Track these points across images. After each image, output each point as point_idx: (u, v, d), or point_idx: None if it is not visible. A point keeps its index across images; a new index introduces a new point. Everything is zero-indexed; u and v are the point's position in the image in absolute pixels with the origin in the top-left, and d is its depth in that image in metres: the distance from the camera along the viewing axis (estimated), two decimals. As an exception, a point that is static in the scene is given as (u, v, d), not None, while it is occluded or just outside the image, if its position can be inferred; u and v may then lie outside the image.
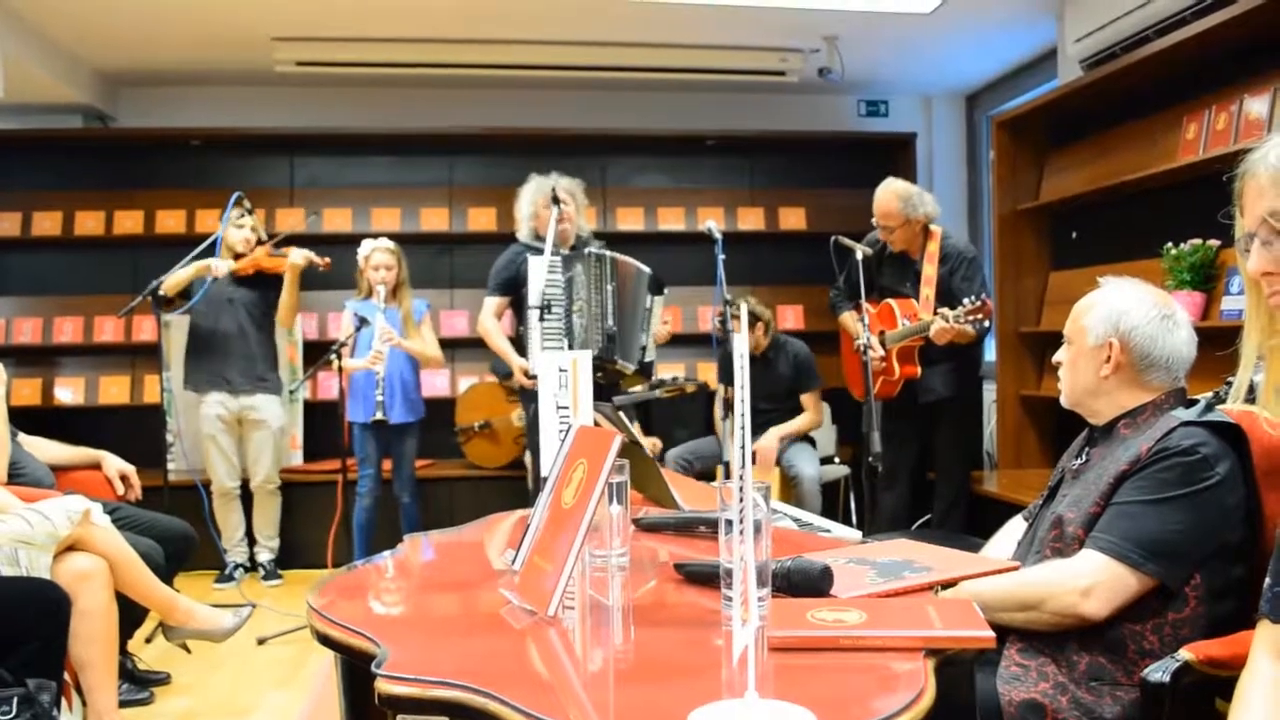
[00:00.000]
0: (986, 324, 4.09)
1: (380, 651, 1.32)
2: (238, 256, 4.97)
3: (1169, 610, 1.74)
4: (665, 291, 4.43)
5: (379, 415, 4.60)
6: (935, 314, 4.16)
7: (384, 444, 4.91)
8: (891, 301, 4.49)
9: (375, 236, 5.08)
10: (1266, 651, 1.43)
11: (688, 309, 6.35)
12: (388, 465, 4.99)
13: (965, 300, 4.06)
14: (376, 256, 4.83)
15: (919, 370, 4.45)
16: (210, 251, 4.71)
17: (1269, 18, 3.69)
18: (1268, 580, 1.44)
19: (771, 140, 6.53)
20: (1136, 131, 4.69)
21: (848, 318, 4.68)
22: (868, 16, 5.33)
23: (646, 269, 4.25)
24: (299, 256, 4.88)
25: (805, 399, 5.09)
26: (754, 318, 5.01)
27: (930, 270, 4.44)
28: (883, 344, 4.44)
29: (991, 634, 1.32)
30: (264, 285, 5.04)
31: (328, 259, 4.97)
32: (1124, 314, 1.91)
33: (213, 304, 4.96)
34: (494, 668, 1.29)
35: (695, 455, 5.04)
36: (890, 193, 4.43)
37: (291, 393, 5.20)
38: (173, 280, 4.75)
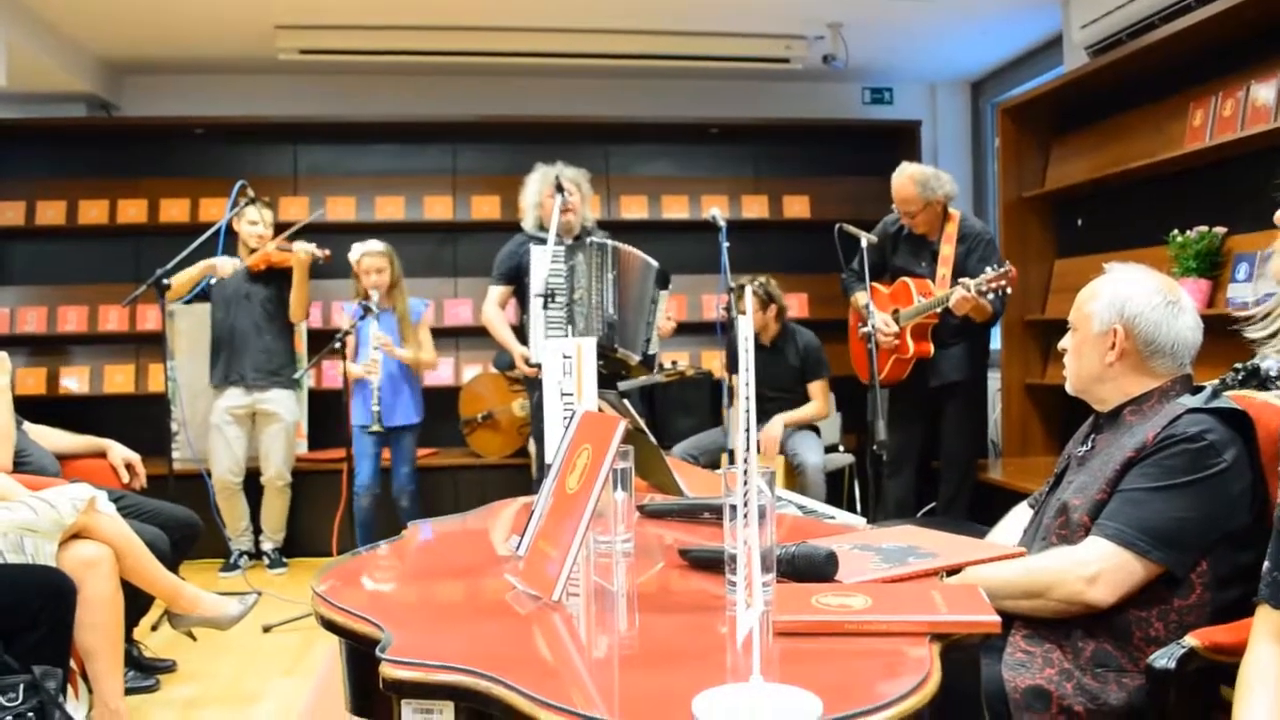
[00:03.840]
0: (1009, 290, 4.07)
1: (385, 636, 1.32)
2: (252, 252, 4.99)
3: (1175, 597, 1.74)
4: (671, 286, 4.42)
5: (375, 426, 4.58)
6: (956, 284, 4.16)
7: (382, 443, 4.92)
8: (908, 280, 4.49)
9: (380, 225, 5.08)
10: (1267, 636, 1.43)
11: (692, 297, 6.34)
12: (388, 455, 5.00)
13: (988, 268, 4.05)
14: (366, 260, 4.82)
15: (932, 348, 4.45)
16: (214, 240, 4.70)
17: (1276, 4, 3.67)
18: (1266, 565, 1.44)
19: (776, 128, 6.51)
20: (1142, 118, 4.67)
21: (859, 299, 4.66)
22: (872, 3, 5.32)
23: (654, 262, 4.24)
24: (301, 251, 4.89)
25: (812, 388, 5.08)
26: (769, 298, 5.00)
27: (948, 250, 4.43)
28: (896, 320, 4.44)
29: (997, 619, 1.31)
30: (277, 280, 5.06)
31: (328, 251, 4.97)
32: (1128, 300, 1.90)
33: (229, 300, 4.99)
34: (499, 652, 1.29)
35: (700, 449, 5.03)
36: (907, 178, 4.42)
37: (296, 380, 5.20)
38: (180, 280, 4.75)
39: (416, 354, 4.94)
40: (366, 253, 4.85)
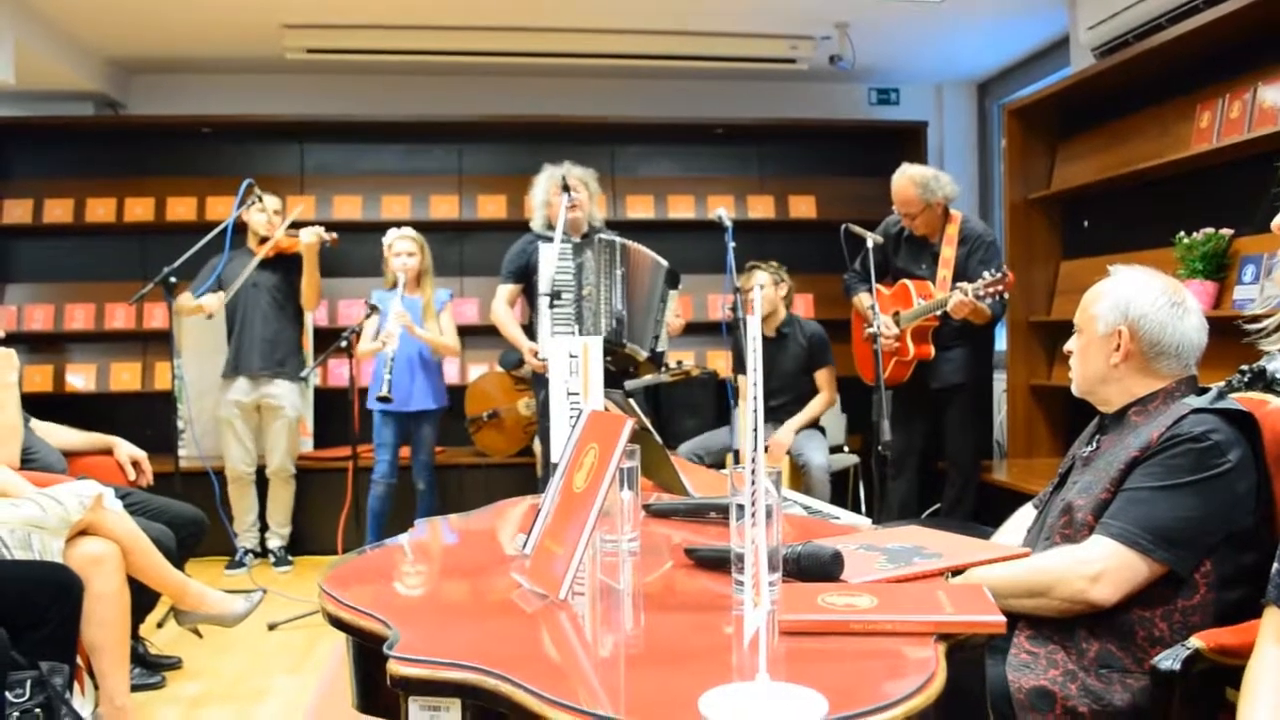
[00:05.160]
0: (1006, 296, 4.07)
1: (392, 634, 1.33)
2: (262, 241, 5.01)
3: (1179, 597, 1.74)
4: (680, 285, 4.42)
5: (384, 391, 4.50)
6: (954, 288, 4.15)
7: (403, 430, 4.93)
8: (908, 282, 4.49)
9: (386, 224, 5.10)
10: (1273, 638, 1.43)
11: (698, 297, 6.35)
12: (405, 453, 5.01)
13: (986, 273, 4.04)
14: (399, 244, 4.86)
15: (932, 350, 4.45)
16: (222, 238, 4.70)
17: (1283, 5, 3.67)
18: (1275, 566, 1.44)
19: (782, 128, 6.51)
20: (1149, 120, 4.67)
21: (861, 300, 4.66)
22: (879, 3, 5.31)
23: (664, 262, 4.24)
24: (309, 235, 4.91)
25: (819, 376, 5.03)
26: (780, 278, 4.99)
27: (949, 252, 4.43)
28: (897, 323, 4.44)
29: (1002, 619, 1.32)
30: (285, 267, 5.08)
31: (335, 235, 5.00)
32: (1133, 301, 1.90)
33: (238, 289, 4.99)
34: (505, 650, 1.30)
35: (706, 449, 5.03)
36: (907, 179, 4.42)
37: (303, 379, 5.22)
38: (182, 308, 4.84)
39: (438, 337, 4.94)
40: (400, 236, 4.89)
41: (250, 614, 3.35)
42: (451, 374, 6.11)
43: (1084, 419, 2.14)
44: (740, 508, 1.33)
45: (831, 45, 5.88)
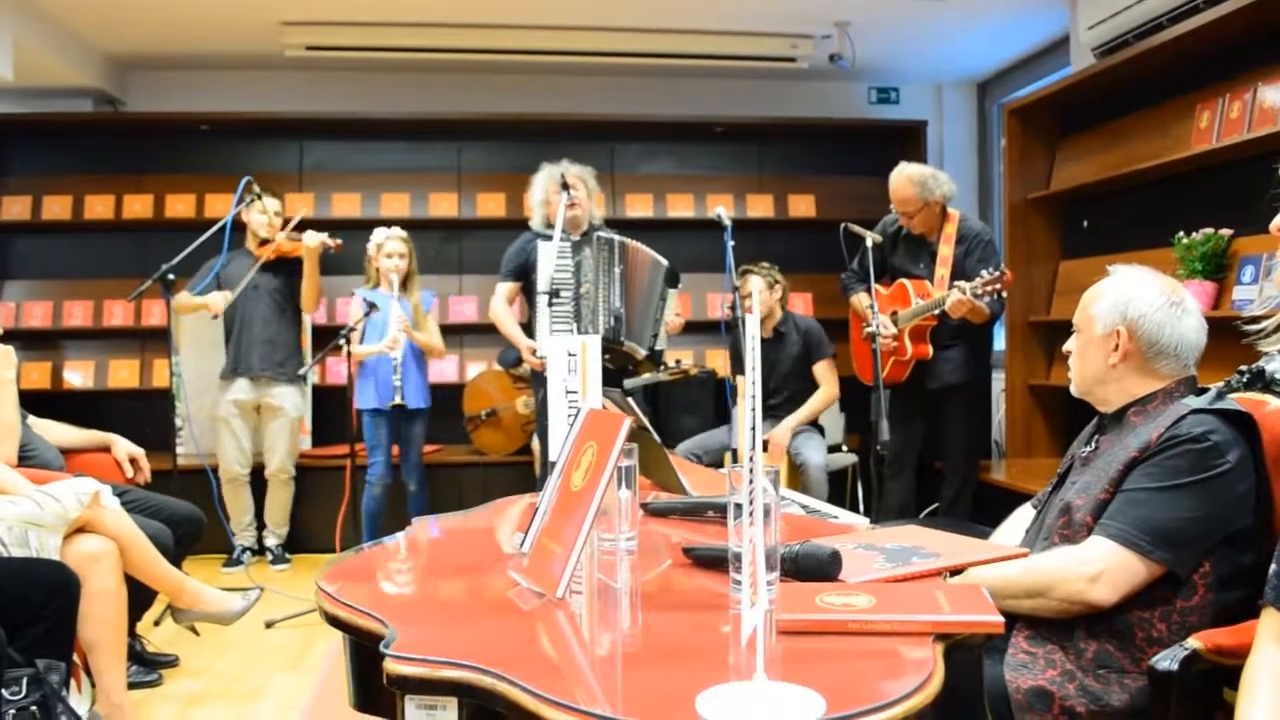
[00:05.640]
0: (1004, 295, 4.06)
1: (389, 632, 1.32)
2: (263, 242, 5.00)
3: (1177, 598, 1.74)
4: (680, 284, 4.42)
5: (397, 400, 4.61)
6: (952, 287, 4.15)
7: (394, 431, 4.93)
8: (906, 282, 4.48)
9: (384, 222, 5.10)
10: (1272, 639, 1.43)
11: (696, 296, 6.34)
12: (397, 452, 5.01)
13: (984, 272, 4.04)
14: (390, 245, 4.86)
15: (930, 349, 4.45)
16: (220, 236, 4.70)
17: (1284, 5, 3.66)
18: (1273, 567, 1.44)
19: (781, 127, 6.51)
20: (1149, 120, 4.67)
21: (859, 299, 4.65)
22: (879, 3, 5.32)
23: (664, 260, 4.24)
24: (313, 239, 4.91)
25: (819, 369, 5.01)
26: (774, 280, 4.98)
27: (946, 251, 4.42)
28: (895, 322, 4.44)
29: (1000, 619, 1.31)
30: (286, 270, 5.07)
31: (339, 240, 4.99)
32: (1132, 301, 1.90)
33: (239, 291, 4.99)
34: (503, 649, 1.29)
35: (704, 449, 5.02)
36: (904, 178, 4.41)
37: (301, 377, 5.22)
38: (183, 305, 4.90)
39: (429, 339, 4.96)
40: (391, 237, 4.91)
41: (247, 612, 3.35)
42: (450, 372, 6.12)
43: (1083, 419, 2.14)
44: (738, 506, 1.33)
45: (831, 44, 5.88)
